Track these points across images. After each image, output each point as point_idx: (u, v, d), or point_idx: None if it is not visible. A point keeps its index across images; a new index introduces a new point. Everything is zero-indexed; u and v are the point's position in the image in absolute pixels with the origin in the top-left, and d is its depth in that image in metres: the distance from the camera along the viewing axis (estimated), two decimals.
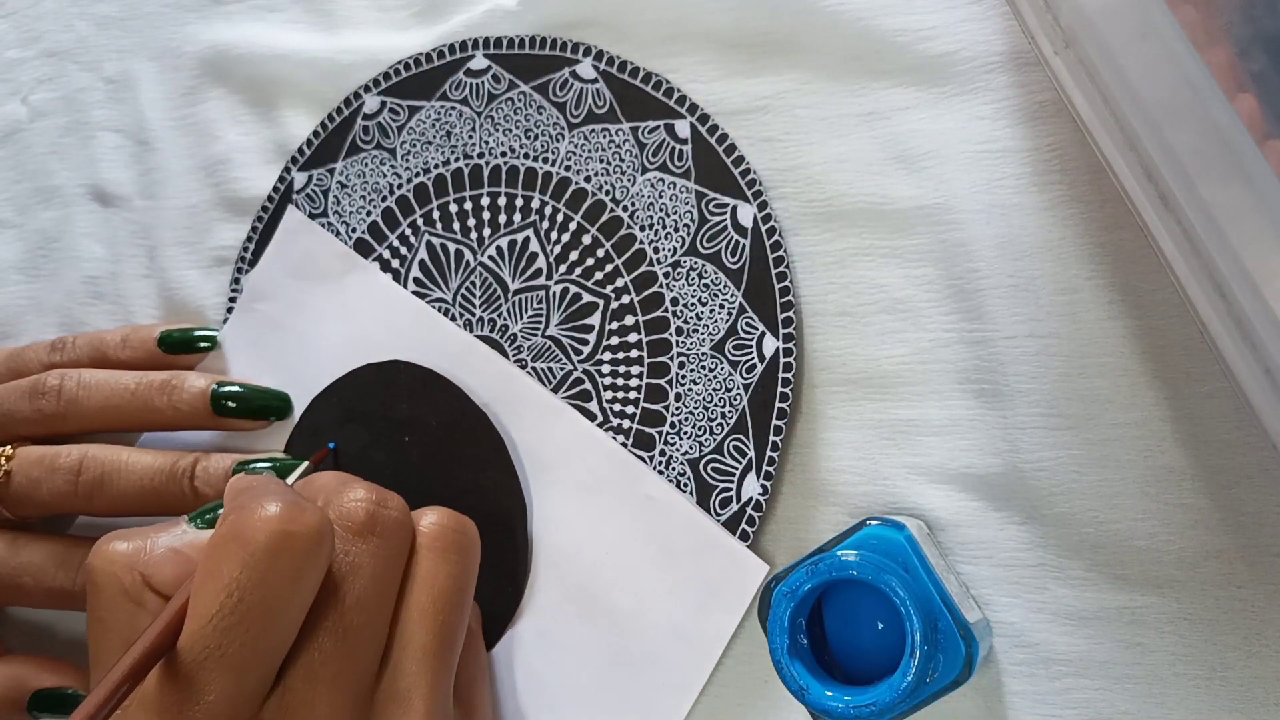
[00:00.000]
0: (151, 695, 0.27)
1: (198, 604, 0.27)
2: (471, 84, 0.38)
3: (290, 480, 0.35)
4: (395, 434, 0.37)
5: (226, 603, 0.26)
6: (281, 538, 0.27)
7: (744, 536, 0.32)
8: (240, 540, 0.27)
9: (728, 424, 0.33)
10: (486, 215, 0.37)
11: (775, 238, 0.33)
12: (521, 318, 0.36)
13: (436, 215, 0.38)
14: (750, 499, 0.32)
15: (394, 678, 0.29)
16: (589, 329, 0.35)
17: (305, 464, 0.36)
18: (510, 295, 0.36)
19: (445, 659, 0.30)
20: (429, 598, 0.30)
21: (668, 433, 0.33)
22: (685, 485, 0.33)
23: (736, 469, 0.32)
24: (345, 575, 0.29)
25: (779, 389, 0.32)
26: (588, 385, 0.35)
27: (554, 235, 0.36)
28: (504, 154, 0.37)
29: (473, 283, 0.37)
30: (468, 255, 0.37)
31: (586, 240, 0.35)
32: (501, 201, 0.37)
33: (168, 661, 0.27)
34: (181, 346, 0.40)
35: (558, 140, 0.36)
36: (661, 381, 0.34)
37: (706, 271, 0.34)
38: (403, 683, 0.29)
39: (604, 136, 0.35)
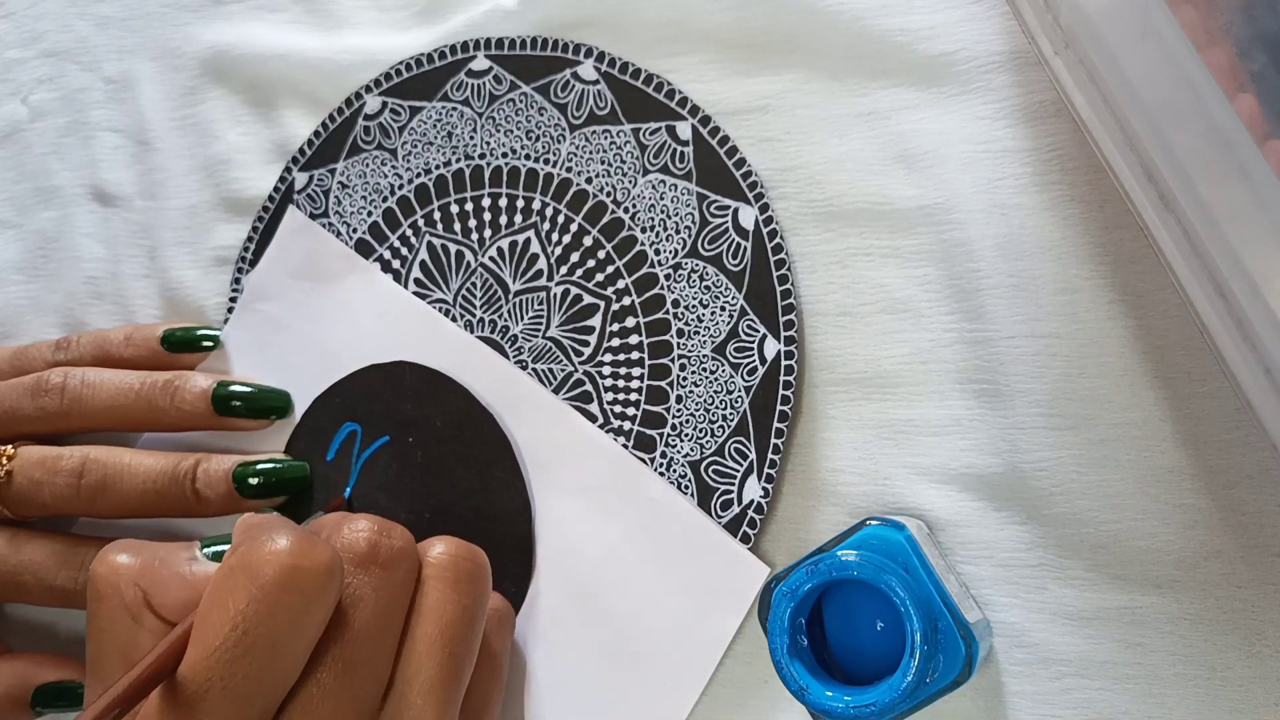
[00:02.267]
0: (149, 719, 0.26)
1: (202, 633, 0.26)
2: (473, 85, 0.38)
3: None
4: (400, 435, 0.37)
5: (231, 635, 0.26)
6: (291, 572, 0.27)
7: (745, 539, 0.32)
8: (249, 572, 0.27)
9: (729, 426, 0.33)
10: (488, 216, 0.37)
11: (776, 240, 0.33)
12: (522, 319, 0.36)
13: (437, 216, 0.38)
14: (751, 501, 0.32)
15: (398, 710, 0.28)
16: (590, 330, 0.35)
17: (319, 513, 0.36)
18: (511, 296, 0.36)
19: (452, 691, 0.29)
20: (437, 629, 0.29)
21: (668, 435, 0.33)
22: (686, 487, 0.33)
23: (738, 471, 0.32)
24: (347, 607, 0.28)
25: (780, 391, 0.32)
26: (588, 387, 0.35)
27: (555, 236, 0.36)
28: (505, 155, 0.37)
29: (473, 284, 0.37)
30: (469, 256, 0.37)
31: (587, 242, 0.35)
32: (503, 203, 0.37)
33: (168, 688, 0.26)
34: (184, 346, 0.40)
35: (559, 141, 0.36)
36: (662, 383, 0.34)
37: (708, 273, 0.34)
38: (408, 716, 0.28)
39: (605, 138, 0.36)
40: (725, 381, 0.33)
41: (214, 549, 0.31)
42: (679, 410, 0.33)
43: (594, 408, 0.34)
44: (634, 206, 0.35)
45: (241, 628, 0.26)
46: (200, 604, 0.27)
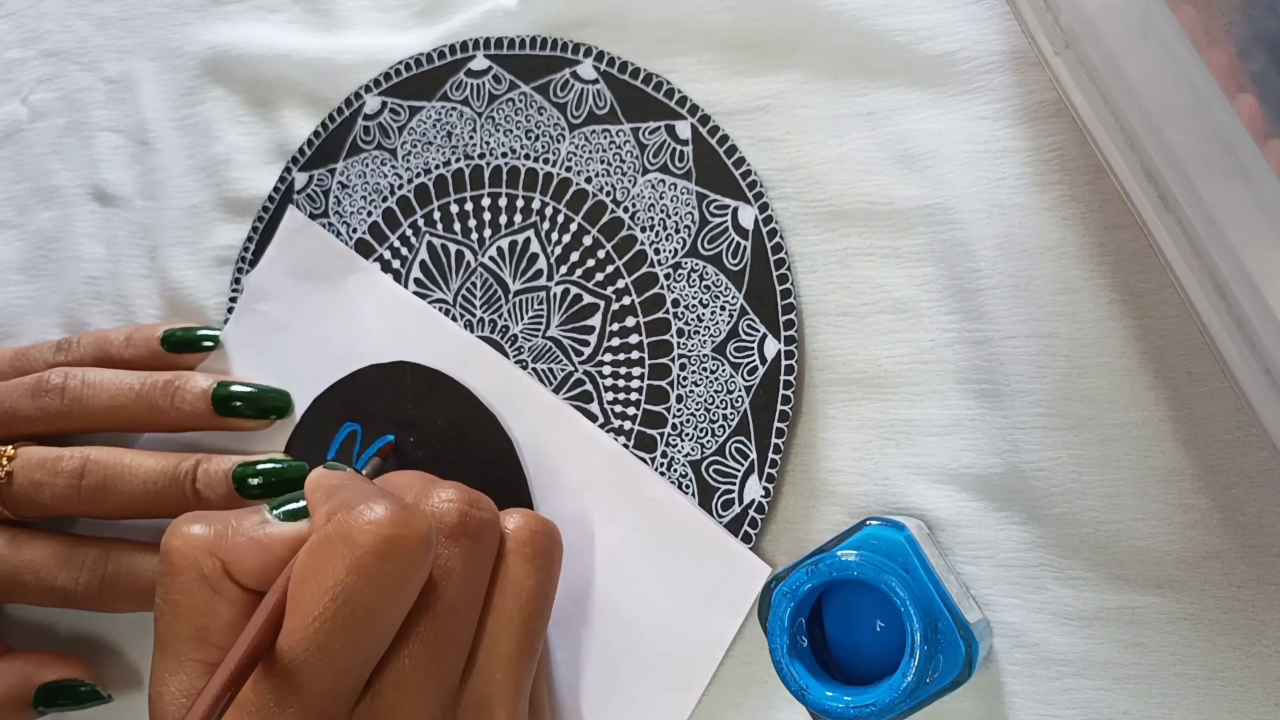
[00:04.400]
0: (245, 693, 0.26)
1: (299, 602, 0.26)
2: (472, 84, 0.38)
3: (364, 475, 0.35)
4: (400, 435, 0.37)
5: (330, 605, 0.26)
6: (391, 542, 0.27)
7: (745, 538, 0.32)
8: (348, 541, 0.27)
9: (729, 426, 0.33)
10: (487, 216, 0.37)
11: (776, 239, 0.33)
12: (522, 319, 0.36)
13: (437, 216, 0.38)
14: (752, 501, 0.32)
15: (479, 683, 0.29)
16: (590, 330, 0.35)
17: (375, 459, 0.36)
18: (511, 296, 0.36)
19: (528, 666, 0.30)
20: (516, 604, 0.30)
21: (669, 434, 0.33)
22: (687, 487, 0.33)
23: (738, 471, 0.32)
24: (437, 579, 0.28)
25: (780, 391, 0.32)
26: (588, 386, 0.35)
27: (555, 236, 0.36)
28: (505, 155, 0.37)
29: (473, 283, 0.37)
30: (468, 256, 0.37)
31: (587, 241, 0.35)
32: (502, 202, 0.37)
33: (265, 658, 0.26)
34: (184, 346, 0.40)
35: (558, 141, 0.36)
36: (663, 383, 0.34)
37: (708, 273, 0.34)
38: (487, 689, 0.29)
39: (605, 137, 0.36)
40: (725, 381, 0.33)
41: (284, 509, 0.30)
42: (679, 410, 0.33)
43: (594, 407, 0.34)
44: (633, 206, 0.35)
45: (341, 597, 0.26)
46: (295, 572, 0.27)
